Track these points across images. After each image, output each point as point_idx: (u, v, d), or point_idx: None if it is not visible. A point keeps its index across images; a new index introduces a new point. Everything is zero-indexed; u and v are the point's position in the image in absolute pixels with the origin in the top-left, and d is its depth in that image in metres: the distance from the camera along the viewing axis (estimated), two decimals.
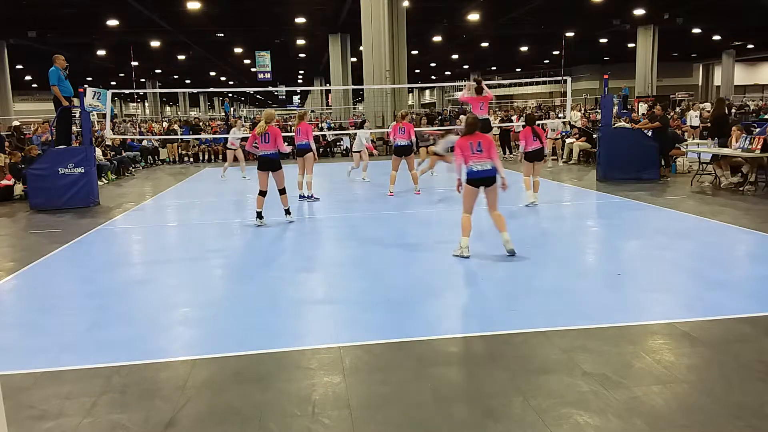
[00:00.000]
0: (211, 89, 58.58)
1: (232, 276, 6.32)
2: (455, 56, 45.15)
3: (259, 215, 8.68)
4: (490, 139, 6.61)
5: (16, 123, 19.94)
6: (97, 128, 17.40)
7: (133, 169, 17.82)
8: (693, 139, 19.11)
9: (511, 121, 20.67)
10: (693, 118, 22.83)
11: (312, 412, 3.32)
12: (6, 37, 29.10)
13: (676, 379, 3.59)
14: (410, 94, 65.09)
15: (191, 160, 20.93)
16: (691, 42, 38.73)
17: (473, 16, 27.63)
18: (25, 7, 23.36)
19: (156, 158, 20.65)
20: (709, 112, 19.52)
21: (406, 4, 22.17)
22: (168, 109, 72.51)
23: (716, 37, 37.23)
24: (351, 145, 21.76)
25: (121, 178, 16.28)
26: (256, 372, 3.85)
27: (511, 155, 19.29)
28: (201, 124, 26.65)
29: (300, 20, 27.62)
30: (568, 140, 17.12)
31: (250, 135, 9.03)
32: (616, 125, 13.42)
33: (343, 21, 28.13)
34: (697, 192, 10.75)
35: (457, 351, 4.12)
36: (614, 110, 16.14)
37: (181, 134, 22.06)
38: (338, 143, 22.73)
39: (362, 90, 26.92)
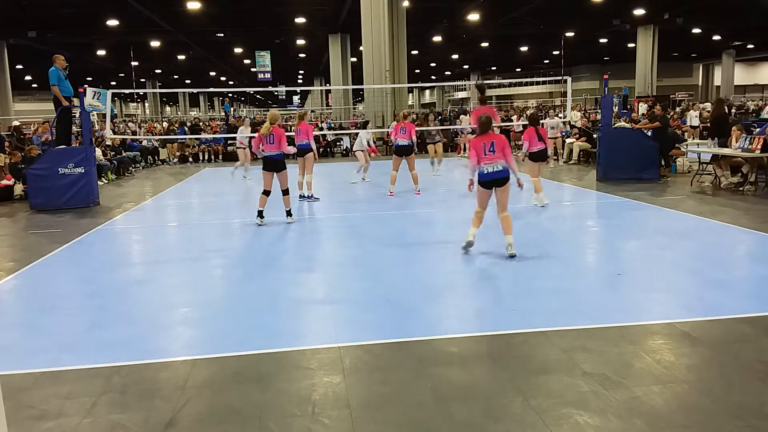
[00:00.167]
0: (211, 89, 58.62)
1: (232, 276, 6.32)
2: (455, 56, 45.15)
3: (260, 214, 8.69)
4: (504, 139, 6.61)
5: (16, 123, 19.94)
6: (97, 128, 17.39)
7: (133, 169, 17.82)
8: (693, 139, 19.11)
9: (511, 121, 20.65)
10: (693, 118, 22.84)
11: (312, 412, 3.32)
12: (6, 37, 29.09)
13: (676, 379, 3.59)
14: (410, 94, 65.05)
15: (190, 160, 20.92)
16: (691, 42, 38.74)
17: (473, 16, 27.63)
18: (25, 7, 23.37)
19: (156, 158, 20.65)
20: (709, 112, 19.51)
21: (406, 4, 22.18)
22: (168, 109, 72.49)
23: (716, 37, 37.24)
24: (351, 145, 21.81)
25: (121, 178, 16.29)
26: (256, 372, 3.85)
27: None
28: (201, 124, 26.65)
29: (300, 20, 27.62)
30: (568, 140, 17.12)
31: (256, 136, 9.05)
32: (616, 125, 13.42)
33: (343, 21, 28.13)
34: (697, 192, 10.75)
35: (457, 351, 4.12)
36: (614, 110, 16.16)
37: (176, 134, 22.12)
38: (338, 143, 22.73)
39: (362, 90, 26.93)
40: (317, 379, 3.72)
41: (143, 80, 47.54)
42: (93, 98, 12.71)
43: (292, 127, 10.37)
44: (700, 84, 52.50)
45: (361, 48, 21.70)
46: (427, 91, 75.07)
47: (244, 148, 15.72)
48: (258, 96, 70.36)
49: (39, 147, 13.69)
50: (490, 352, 4.06)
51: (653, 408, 3.25)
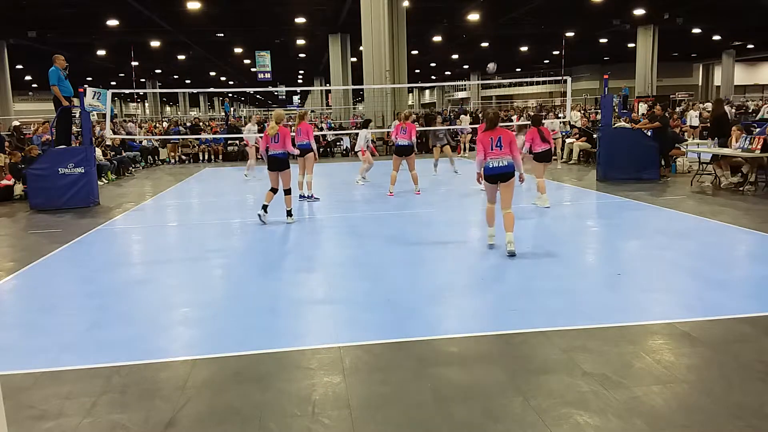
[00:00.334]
0: (211, 89, 58.59)
1: (232, 276, 6.32)
2: (455, 56, 45.15)
3: (264, 208, 8.77)
4: (511, 134, 6.68)
5: (16, 123, 19.95)
6: (97, 128, 17.39)
7: (133, 169, 17.82)
8: (693, 139, 19.11)
9: (511, 120, 20.63)
10: (693, 118, 22.85)
11: (312, 412, 3.32)
12: (6, 37, 29.09)
13: (676, 379, 3.59)
14: (410, 94, 65.09)
15: (183, 159, 20.91)
16: (691, 42, 38.74)
17: (473, 16, 27.63)
18: (25, 7, 23.36)
19: (156, 158, 20.66)
20: (709, 112, 19.52)
21: (406, 4, 22.18)
22: (168, 109, 72.50)
23: (716, 37, 37.23)
24: (352, 146, 21.80)
25: (121, 178, 16.29)
26: (256, 372, 3.85)
27: None
28: (201, 124, 26.68)
29: (300, 20, 27.61)
30: (568, 140, 17.13)
31: (262, 136, 9.11)
32: (616, 125, 13.42)
33: (343, 21, 28.13)
34: (697, 192, 10.76)
35: (457, 351, 4.12)
36: (615, 110, 16.14)
37: (172, 134, 22.18)
38: (338, 143, 22.74)
39: (362, 90, 26.93)
40: (317, 379, 3.72)
41: (143, 80, 47.53)
42: (93, 98, 12.72)
43: (293, 127, 10.39)
44: (700, 84, 52.50)
45: (361, 48, 21.69)
46: (427, 91, 75.08)
47: (251, 146, 15.68)
48: (258, 96, 70.37)
49: (39, 147, 13.70)
50: (490, 352, 4.06)
51: (653, 408, 3.25)
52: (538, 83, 54.39)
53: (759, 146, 10.05)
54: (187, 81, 55.09)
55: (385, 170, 13.47)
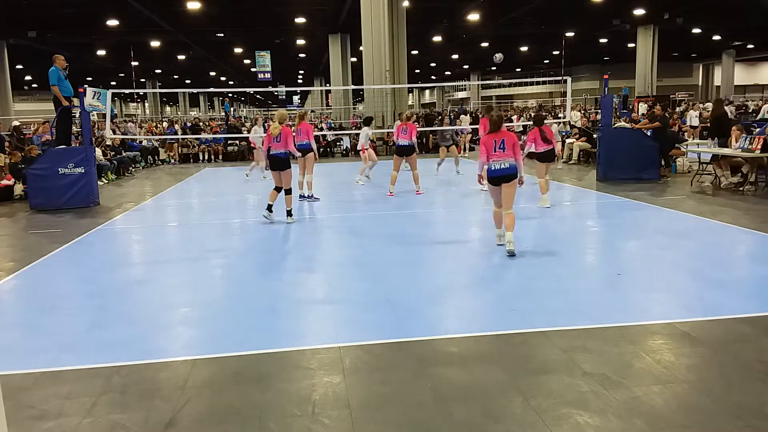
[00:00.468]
0: (211, 89, 58.58)
1: (232, 276, 6.32)
2: (455, 56, 45.13)
3: (269, 208, 8.82)
4: (514, 137, 6.73)
5: (16, 123, 19.95)
6: (97, 128, 17.41)
7: (133, 169, 17.82)
8: (693, 139, 19.11)
9: (511, 120, 20.65)
10: (693, 118, 22.84)
11: (312, 412, 3.32)
12: (6, 37, 29.09)
13: (676, 379, 3.59)
14: (410, 94, 65.09)
15: (190, 159, 20.93)
16: (691, 42, 38.73)
17: (473, 16, 27.63)
18: (25, 7, 23.34)
19: (156, 158, 20.66)
20: (709, 112, 19.52)
21: (406, 4, 22.17)
22: (168, 109, 72.50)
23: (716, 37, 37.22)
24: (353, 145, 21.79)
25: (121, 178, 16.28)
26: (256, 372, 3.85)
27: None
28: (201, 124, 26.69)
29: (300, 20, 27.61)
30: (568, 140, 17.12)
31: (265, 137, 9.15)
32: (616, 125, 13.42)
33: (343, 21, 28.12)
34: (697, 192, 10.76)
35: (457, 351, 4.12)
36: (615, 110, 16.14)
37: (166, 134, 22.21)
38: (338, 143, 22.74)
39: (362, 90, 26.92)
40: (317, 379, 3.72)
41: (143, 80, 47.53)
42: (93, 98, 12.72)
43: (293, 127, 10.40)
44: (700, 84, 52.50)
45: (361, 48, 21.69)
46: (427, 91, 75.08)
47: (259, 148, 15.66)
48: (258, 96, 70.37)
49: (39, 147, 13.70)
50: (490, 352, 4.06)
51: (653, 408, 3.25)
52: (538, 83, 54.41)
53: (759, 146, 10.04)
54: (187, 81, 55.08)
55: (386, 170, 13.48)
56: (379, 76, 20.33)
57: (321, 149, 21.00)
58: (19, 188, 12.30)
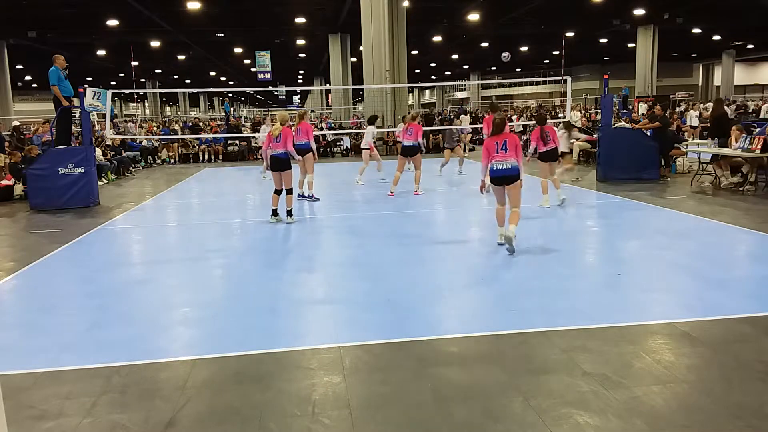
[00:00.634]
0: (211, 89, 58.55)
1: (232, 276, 6.32)
2: (455, 56, 45.13)
3: (274, 212, 8.88)
4: (517, 139, 6.82)
5: (16, 123, 19.95)
6: (97, 128, 17.40)
7: (133, 169, 17.82)
8: (693, 139, 19.11)
9: (511, 120, 20.65)
10: (693, 118, 22.84)
11: (312, 412, 3.32)
12: (6, 37, 29.08)
13: (676, 379, 3.59)
14: (410, 94, 65.07)
15: (190, 159, 20.93)
16: (691, 42, 38.72)
17: (473, 16, 27.62)
18: (25, 7, 23.34)
19: (156, 158, 20.67)
20: (709, 111, 19.51)
21: (406, 4, 22.17)
22: (168, 109, 72.50)
23: (716, 37, 37.21)
24: (353, 145, 21.78)
25: (121, 178, 16.28)
26: (256, 372, 3.85)
27: None
28: (201, 124, 26.69)
29: (300, 20, 27.60)
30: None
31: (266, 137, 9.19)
32: (616, 125, 13.42)
33: (343, 21, 28.12)
34: (697, 192, 10.75)
35: (457, 351, 4.12)
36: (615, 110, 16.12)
37: (160, 134, 22.22)
38: (338, 143, 22.74)
39: (362, 90, 26.92)
40: (317, 379, 3.72)
41: (143, 80, 47.52)
42: (93, 98, 12.71)
43: (292, 127, 10.40)
44: (700, 84, 52.49)
45: (361, 48, 21.69)
46: (427, 91, 75.08)
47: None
48: (258, 96, 70.36)
49: (39, 147, 13.70)
50: (490, 352, 4.06)
51: (653, 408, 3.25)
52: (538, 83, 54.39)
53: (759, 146, 10.04)
54: (187, 81, 55.07)
55: (388, 170, 13.48)
56: (379, 76, 20.33)
57: (321, 149, 21.01)
58: (19, 188, 12.29)
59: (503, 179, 6.65)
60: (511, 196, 6.71)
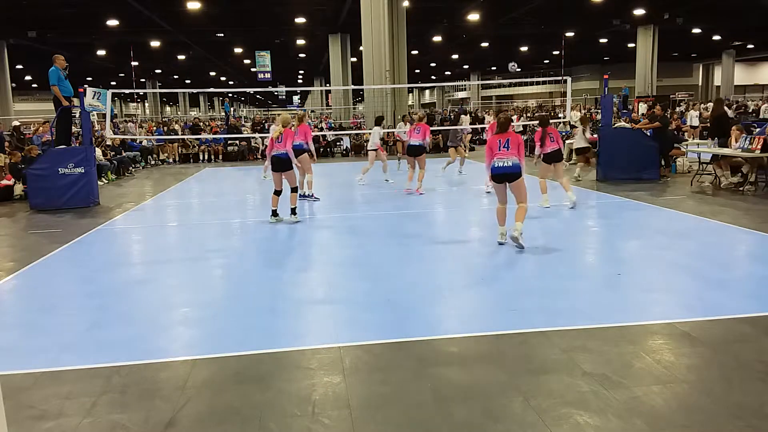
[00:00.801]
0: (211, 89, 58.58)
1: (232, 276, 6.32)
2: (455, 56, 45.13)
3: (274, 213, 8.89)
4: (520, 138, 6.88)
5: (16, 123, 19.95)
6: (97, 128, 17.40)
7: (133, 169, 17.82)
8: (693, 139, 19.11)
9: (511, 120, 20.61)
10: (693, 118, 22.84)
11: (312, 412, 3.32)
12: (6, 37, 29.09)
13: (676, 379, 3.59)
14: (410, 94, 65.05)
15: (190, 159, 20.94)
16: (691, 42, 38.73)
17: (473, 16, 27.62)
18: (25, 7, 23.34)
19: (156, 158, 20.67)
20: (709, 111, 19.51)
21: (406, 4, 22.17)
22: (168, 109, 72.50)
23: (716, 37, 37.22)
24: (353, 145, 21.80)
25: (121, 178, 16.29)
26: (256, 372, 3.85)
27: None
28: (201, 124, 26.70)
29: (300, 20, 27.61)
30: (568, 140, 17.11)
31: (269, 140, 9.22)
32: (616, 125, 13.42)
33: (343, 21, 28.12)
34: (697, 192, 10.75)
35: (457, 351, 4.12)
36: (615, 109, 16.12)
37: (153, 134, 22.22)
38: (338, 143, 22.75)
39: (362, 90, 26.92)
40: (317, 379, 3.72)
41: (143, 80, 47.52)
42: (93, 98, 12.72)
43: (293, 128, 10.41)
44: (700, 84, 52.49)
45: (361, 48, 21.69)
46: (427, 91, 75.08)
47: None
48: (258, 96, 70.36)
49: (39, 147, 13.69)
50: (490, 352, 4.06)
51: (653, 408, 3.25)
52: (538, 83, 54.40)
53: (759, 146, 10.04)
54: (187, 81, 55.08)
55: (389, 172, 13.48)
56: (379, 76, 20.32)
57: (321, 149, 21.02)
58: (19, 188, 12.30)
59: (504, 176, 6.73)
60: (515, 193, 6.78)
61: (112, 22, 26.08)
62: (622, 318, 4.57)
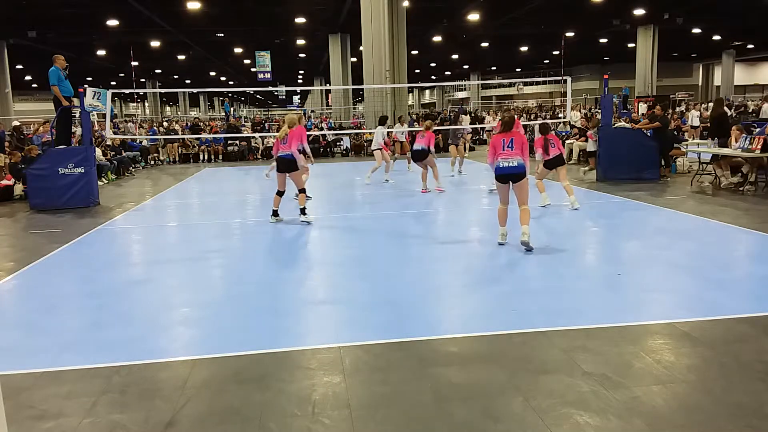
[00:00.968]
0: (211, 89, 58.58)
1: (232, 276, 6.32)
2: (455, 56, 45.13)
3: (275, 213, 8.90)
4: (524, 138, 6.85)
5: (16, 123, 19.96)
6: (97, 128, 17.40)
7: (133, 169, 17.82)
8: (693, 139, 19.11)
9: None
10: (694, 118, 22.84)
11: (312, 412, 3.32)
12: (6, 37, 29.08)
13: (676, 379, 3.59)
14: (410, 94, 65.06)
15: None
16: (691, 42, 38.73)
17: (473, 16, 27.63)
18: (25, 7, 23.34)
19: (156, 158, 20.68)
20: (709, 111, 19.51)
21: (406, 4, 22.17)
22: (168, 109, 72.50)
23: (716, 37, 37.22)
24: (356, 144, 21.80)
25: (121, 178, 16.29)
26: (256, 372, 3.84)
27: None
28: (201, 124, 26.71)
29: (300, 20, 27.61)
30: (568, 140, 17.12)
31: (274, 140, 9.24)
32: (616, 125, 13.43)
33: (343, 21, 28.12)
34: (697, 192, 10.75)
35: (457, 351, 4.12)
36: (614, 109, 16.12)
37: (147, 134, 22.22)
38: (338, 143, 22.76)
39: (362, 90, 26.92)
40: (317, 379, 3.72)
41: (143, 80, 47.53)
42: (93, 98, 12.72)
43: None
44: (700, 84, 52.50)
45: (361, 48, 21.69)
46: (427, 91, 75.07)
47: None
48: (258, 96, 70.36)
49: (39, 147, 13.69)
50: (490, 352, 4.06)
51: (653, 408, 3.25)
52: (538, 83, 54.40)
53: (759, 146, 10.05)
54: (187, 81, 55.05)
55: (391, 173, 13.47)
56: (379, 76, 20.33)
57: (321, 149, 21.03)
58: (19, 188, 12.30)
59: (509, 177, 6.68)
60: (517, 194, 6.73)
61: (112, 22, 26.07)
62: (622, 318, 4.57)
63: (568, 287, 5.43)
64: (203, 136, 22.02)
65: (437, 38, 33.58)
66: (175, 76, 51.72)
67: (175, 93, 61.53)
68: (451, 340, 4.28)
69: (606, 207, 9.73)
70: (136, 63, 35.50)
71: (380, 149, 13.38)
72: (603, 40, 37.61)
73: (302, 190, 8.91)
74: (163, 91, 56.81)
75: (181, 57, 37.64)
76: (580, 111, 25.66)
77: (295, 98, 59.84)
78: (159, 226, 9.48)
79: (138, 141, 20.75)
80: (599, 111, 19.20)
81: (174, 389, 3.63)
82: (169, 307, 5.24)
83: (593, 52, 43.57)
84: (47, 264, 6.95)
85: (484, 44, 38.27)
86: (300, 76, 56.21)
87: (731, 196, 10.17)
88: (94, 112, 15.06)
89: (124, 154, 17.77)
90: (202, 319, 4.89)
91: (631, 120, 15.44)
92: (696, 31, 33.64)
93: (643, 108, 24.02)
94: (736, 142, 10.75)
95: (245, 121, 31.95)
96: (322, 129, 24.32)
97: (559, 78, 40.69)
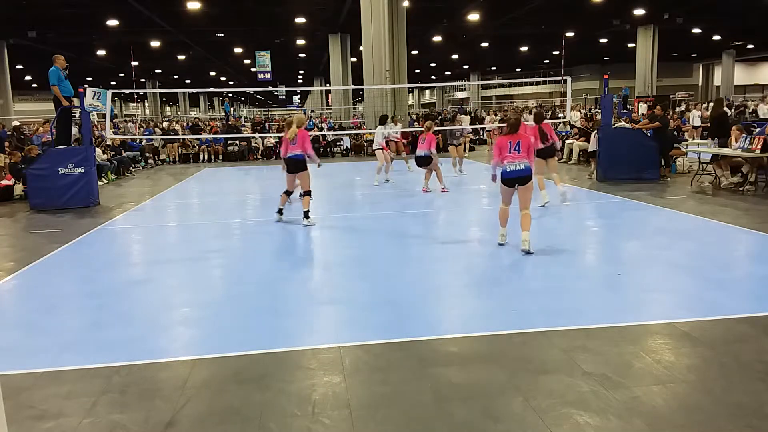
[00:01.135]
0: (211, 89, 58.58)
1: (232, 276, 6.32)
2: (455, 56, 45.12)
3: (280, 211, 8.91)
4: (530, 140, 6.80)
5: (16, 123, 19.96)
6: (97, 127, 17.40)
7: (133, 169, 17.82)
8: (694, 139, 19.11)
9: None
10: (695, 118, 22.84)
11: (312, 412, 3.32)
12: (6, 37, 29.08)
13: (676, 379, 3.59)
14: (410, 94, 65.05)
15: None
16: (691, 42, 38.72)
17: (473, 16, 27.62)
18: (25, 7, 23.34)
19: (156, 158, 20.68)
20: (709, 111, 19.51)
21: (406, 4, 22.16)
22: (168, 109, 72.50)
23: (716, 37, 37.21)
24: (356, 144, 21.80)
25: (121, 178, 16.29)
26: (256, 372, 3.85)
27: None
28: (201, 124, 26.72)
29: (300, 20, 27.60)
30: (568, 140, 17.12)
31: (282, 140, 9.23)
32: (616, 125, 13.43)
33: (343, 21, 28.11)
34: (697, 192, 10.75)
35: (457, 351, 4.12)
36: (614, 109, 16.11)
37: (142, 134, 22.22)
38: (338, 143, 22.76)
39: (362, 90, 26.92)
40: (317, 379, 3.72)
41: (143, 80, 47.51)
42: (93, 98, 12.71)
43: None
44: (700, 84, 52.49)
45: (361, 48, 21.69)
46: (427, 91, 75.06)
47: None
48: (258, 96, 70.36)
49: (39, 147, 13.69)
50: (490, 352, 4.06)
51: (653, 408, 3.25)
52: (538, 83, 54.41)
53: (759, 146, 10.05)
54: (187, 81, 55.05)
55: (391, 173, 13.47)
56: (379, 76, 20.33)
57: (321, 149, 21.02)
58: (19, 188, 12.29)
59: (516, 180, 6.64)
60: (521, 197, 6.69)
61: (112, 22, 26.06)
62: (622, 318, 4.57)
63: (568, 287, 5.43)
64: (203, 136, 22.02)
65: (437, 38, 33.57)
66: (175, 76, 51.72)
67: (175, 93, 61.52)
68: (451, 340, 4.28)
69: (606, 207, 9.74)
70: (136, 63, 35.50)
71: (381, 149, 13.38)
72: (603, 40, 37.60)
73: (308, 192, 8.84)
74: (163, 91, 56.77)
75: (181, 57, 37.63)
76: (580, 111, 25.67)
77: (295, 98, 59.84)
78: (159, 226, 9.48)
79: (138, 141, 20.75)
80: (599, 111, 19.24)
81: (174, 389, 3.63)
82: (169, 307, 5.25)
83: (593, 52, 43.57)
84: (47, 264, 6.95)
85: (484, 44, 38.26)
86: (300, 76, 56.20)
87: (731, 196, 10.17)
88: (94, 112, 15.06)
89: (124, 154, 17.77)
90: (202, 319, 4.90)
91: (631, 120, 15.44)
92: (696, 31, 33.63)
93: (643, 108, 24.01)
94: (736, 142, 10.75)
95: (245, 122, 31.96)
96: (322, 129, 24.32)
97: (559, 78, 40.72)
